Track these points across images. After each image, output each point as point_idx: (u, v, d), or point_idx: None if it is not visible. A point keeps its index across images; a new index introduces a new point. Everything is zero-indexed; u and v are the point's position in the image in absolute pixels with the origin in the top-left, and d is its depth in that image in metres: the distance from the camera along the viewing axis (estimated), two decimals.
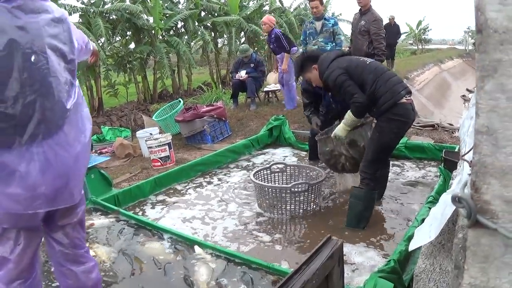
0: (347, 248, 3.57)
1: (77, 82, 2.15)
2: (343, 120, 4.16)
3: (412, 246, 2.27)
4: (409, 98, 3.84)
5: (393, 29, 17.07)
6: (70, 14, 14.59)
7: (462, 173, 1.65)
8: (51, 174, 1.95)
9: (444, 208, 2.01)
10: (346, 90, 3.88)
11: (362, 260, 3.46)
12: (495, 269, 1.08)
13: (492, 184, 1.02)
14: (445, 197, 2.04)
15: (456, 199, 1.05)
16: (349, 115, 4.07)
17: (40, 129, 1.89)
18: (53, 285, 3.13)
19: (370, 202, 3.97)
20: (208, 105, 8.39)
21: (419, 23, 36.07)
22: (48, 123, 1.91)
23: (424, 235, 2.13)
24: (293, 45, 8.82)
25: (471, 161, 1.07)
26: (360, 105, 3.87)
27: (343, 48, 7.84)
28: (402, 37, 39.67)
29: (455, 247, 1.44)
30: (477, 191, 1.04)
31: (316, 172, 4.68)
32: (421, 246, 2.26)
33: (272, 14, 12.00)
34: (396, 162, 5.86)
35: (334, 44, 7.65)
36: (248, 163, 6.36)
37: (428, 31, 37.31)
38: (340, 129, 4.18)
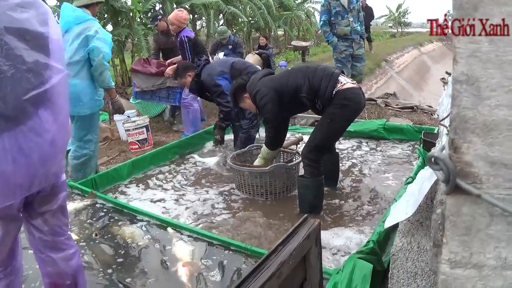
0: (328, 230, 3.50)
1: (61, 63, 2.04)
2: (258, 157, 4.32)
3: (387, 223, 2.16)
4: (354, 82, 3.77)
5: (365, 12, 17.04)
6: None
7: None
8: (24, 162, 1.86)
9: (421, 184, 1.90)
10: (265, 116, 3.99)
11: (343, 241, 3.38)
12: (478, 243, 0.94)
13: (474, 143, 0.87)
14: (423, 173, 1.95)
15: (432, 160, 0.90)
16: (263, 148, 4.23)
17: None
18: (36, 266, 3.01)
19: (318, 189, 3.84)
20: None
21: (399, 6, 36.20)
22: (1, 114, 1.79)
23: (401, 212, 2.03)
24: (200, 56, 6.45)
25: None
26: (271, 136, 4.08)
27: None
28: (382, 20, 39.73)
29: (433, 224, 1.32)
30: (456, 150, 0.89)
31: (293, 153, 4.60)
32: (398, 224, 2.16)
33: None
34: (375, 143, 5.81)
35: (359, 22, 7.08)
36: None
37: (408, 14, 37.48)
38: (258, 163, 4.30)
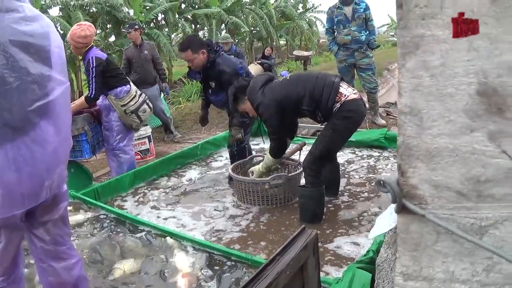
0: (327, 240, 3.56)
1: (64, 75, 2.10)
2: (261, 163, 4.34)
3: (372, 234, 2.22)
4: (356, 92, 3.78)
5: None
6: (50, 7, 14.45)
7: None
8: (27, 172, 1.90)
9: None
10: (271, 129, 4.02)
11: (343, 250, 3.42)
12: (427, 258, 1.03)
13: (419, 168, 0.97)
14: None
15: (380, 183, 1.00)
16: (267, 157, 4.26)
17: (3, 130, 1.83)
18: (36, 278, 3.02)
19: (320, 199, 3.89)
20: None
21: None
22: (7, 125, 1.84)
23: (384, 223, 2.09)
24: (117, 87, 4.88)
25: None
26: (276, 146, 4.13)
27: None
28: (383, 28, 39.84)
29: None
30: (403, 175, 0.99)
31: (295, 164, 4.65)
32: (384, 235, 2.23)
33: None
34: (375, 152, 5.83)
35: (367, 32, 7.06)
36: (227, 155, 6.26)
37: None
38: (257, 171, 4.35)
